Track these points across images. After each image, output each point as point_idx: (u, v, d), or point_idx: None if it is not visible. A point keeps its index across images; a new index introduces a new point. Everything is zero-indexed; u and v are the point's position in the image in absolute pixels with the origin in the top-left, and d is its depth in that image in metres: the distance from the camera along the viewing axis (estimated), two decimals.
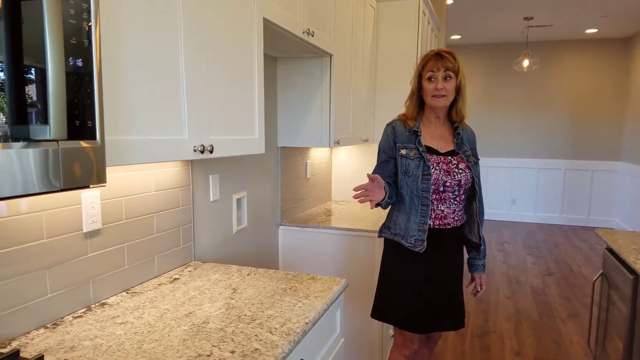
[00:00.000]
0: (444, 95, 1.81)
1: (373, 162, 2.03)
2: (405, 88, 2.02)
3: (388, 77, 3.27)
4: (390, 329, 2.57)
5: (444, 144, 1.89)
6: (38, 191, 0.71)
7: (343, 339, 1.63)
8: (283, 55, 2.43)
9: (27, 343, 1.11)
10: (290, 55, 2.42)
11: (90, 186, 0.82)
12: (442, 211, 1.85)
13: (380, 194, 1.75)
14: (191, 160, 1.79)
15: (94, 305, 1.35)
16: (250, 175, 2.29)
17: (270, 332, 1.18)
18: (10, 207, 1.11)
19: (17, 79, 0.67)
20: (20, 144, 0.68)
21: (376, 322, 2.46)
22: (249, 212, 2.28)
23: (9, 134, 0.66)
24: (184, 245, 1.77)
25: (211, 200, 1.93)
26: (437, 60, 1.81)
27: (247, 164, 2.26)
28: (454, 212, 1.86)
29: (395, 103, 2.80)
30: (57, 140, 0.72)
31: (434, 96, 1.81)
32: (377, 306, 1.98)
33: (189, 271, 1.69)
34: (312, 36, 2.05)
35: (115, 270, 1.43)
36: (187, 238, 1.78)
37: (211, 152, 1.30)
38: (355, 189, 1.70)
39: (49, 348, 1.09)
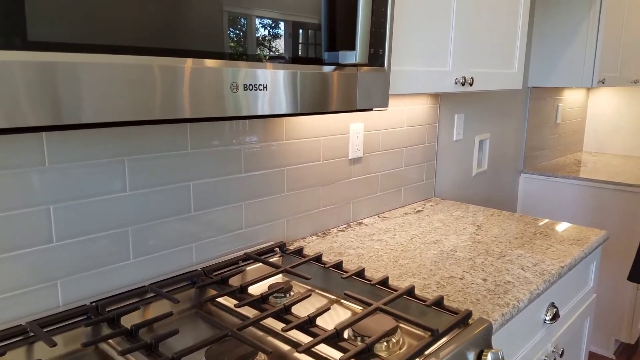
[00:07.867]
0: None
1: None
2: None
3: None
4: None
5: None
6: (340, 110, 0.84)
7: (595, 294, 1.49)
8: None
9: (305, 245, 1.36)
10: None
11: (374, 109, 0.92)
12: None
13: None
14: (440, 99, 1.82)
15: (352, 223, 1.55)
16: (494, 117, 2.20)
17: (522, 269, 1.16)
18: (302, 130, 1.34)
19: (330, 13, 0.79)
20: (331, 67, 0.81)
21: (630, 286, 2.18)
22: (490, 156, 2.22)
23: (323, 58, 0.80)
24: (426, 181, 1.85)
25: (454, 139, 1.95)
26: None
27: (493, 104, 2.18)
28: None
29: None
30: (358, 65, 0.83)
31: None
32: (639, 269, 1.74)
33: (431, 205, 1.77)
34: None
35: (370, 196, 1.60)
36: (429, 174, 1.86)
37: (471, 84, 1.30)
38: None
39: (323, 251, 1.31)
